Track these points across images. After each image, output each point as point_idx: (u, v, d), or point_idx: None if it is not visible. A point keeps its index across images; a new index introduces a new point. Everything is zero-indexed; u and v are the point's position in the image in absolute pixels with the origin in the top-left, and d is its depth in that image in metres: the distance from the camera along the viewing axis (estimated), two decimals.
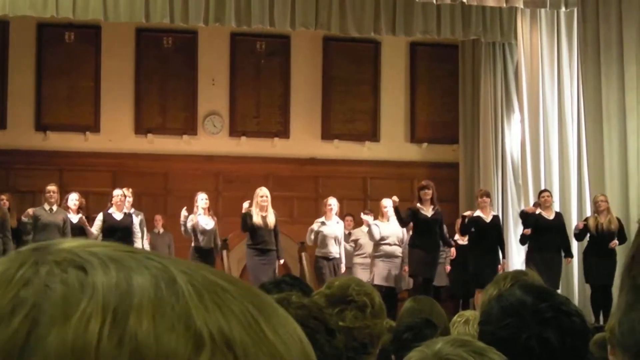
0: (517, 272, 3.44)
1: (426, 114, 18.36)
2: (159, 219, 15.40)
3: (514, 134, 16.84)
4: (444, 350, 1.50)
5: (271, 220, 13.27)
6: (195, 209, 13.81)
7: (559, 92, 15.16)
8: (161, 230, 15.32)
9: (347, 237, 14.61)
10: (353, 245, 14.60)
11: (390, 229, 13.88)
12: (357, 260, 14.45)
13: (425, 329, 4.18)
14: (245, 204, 13.42)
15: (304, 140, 17.76)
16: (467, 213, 14.21)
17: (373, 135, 18.16)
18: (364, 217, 14.72)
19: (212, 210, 14.19)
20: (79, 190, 14.29)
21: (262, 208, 13.27)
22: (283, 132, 17.82)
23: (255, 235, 13.27)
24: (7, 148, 16.65)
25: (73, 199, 13.57)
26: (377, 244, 13.82)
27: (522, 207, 15.54)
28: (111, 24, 15.85)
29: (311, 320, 2.27)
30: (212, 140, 17.54)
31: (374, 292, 3.04)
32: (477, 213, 14.00)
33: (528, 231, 13.58)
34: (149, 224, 14.69)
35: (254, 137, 17.64)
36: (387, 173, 17.74)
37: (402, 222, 13.59)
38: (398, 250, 13.93)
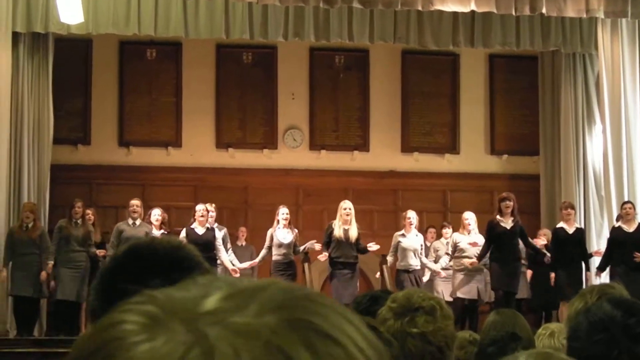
0: (604, 286, 3.42)
1: (505, 125, 18.23)
2: (243, 231, 15.51)
3: (595, 145, 16.62)
4: None
5: (353, 233, 13.28)
6: (275, 222, 13.87)
7: None
8: (243, 243, 15.40)
9: (428, 249, 14.56)
10: (433, 257, 14.56)
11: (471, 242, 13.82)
12: None
13: (510, 342, 4.18)
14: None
15: (384, 153, 17.74)
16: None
17: (452, 147, 18.08)
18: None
19: (293, 224, 14.23)
20: (161, 205, 14.47)
21: (345, 221, 13.29)
22: (362, 145, 17.83)
23: (337, 248, 13.30)
24: (91, 164, 16.90)
25: (156, 214, 13.72)
26: (457, 257, 13.75)
27: (605, 219, 15.36)
28: (192, 40, 16.05)
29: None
30: (292, 154, 17.60)
31: (439, 298, 3.06)
32: (560, 224, 13.87)
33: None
34: (231, 237, 14.75)
35: (333, 151, 17.68)
36: (467, 185, 17.65)
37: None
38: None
